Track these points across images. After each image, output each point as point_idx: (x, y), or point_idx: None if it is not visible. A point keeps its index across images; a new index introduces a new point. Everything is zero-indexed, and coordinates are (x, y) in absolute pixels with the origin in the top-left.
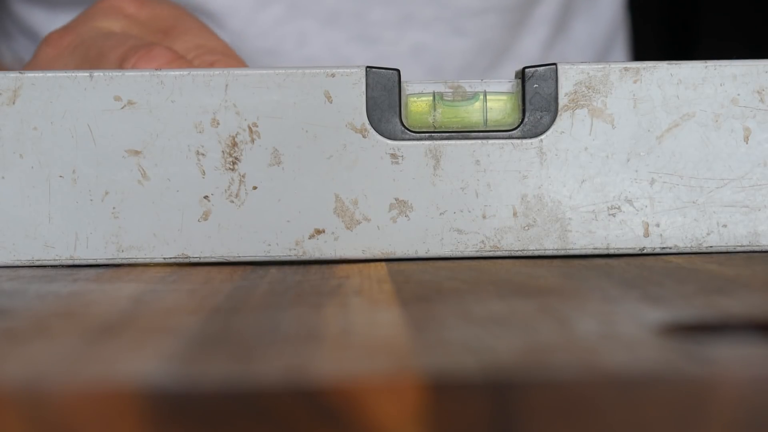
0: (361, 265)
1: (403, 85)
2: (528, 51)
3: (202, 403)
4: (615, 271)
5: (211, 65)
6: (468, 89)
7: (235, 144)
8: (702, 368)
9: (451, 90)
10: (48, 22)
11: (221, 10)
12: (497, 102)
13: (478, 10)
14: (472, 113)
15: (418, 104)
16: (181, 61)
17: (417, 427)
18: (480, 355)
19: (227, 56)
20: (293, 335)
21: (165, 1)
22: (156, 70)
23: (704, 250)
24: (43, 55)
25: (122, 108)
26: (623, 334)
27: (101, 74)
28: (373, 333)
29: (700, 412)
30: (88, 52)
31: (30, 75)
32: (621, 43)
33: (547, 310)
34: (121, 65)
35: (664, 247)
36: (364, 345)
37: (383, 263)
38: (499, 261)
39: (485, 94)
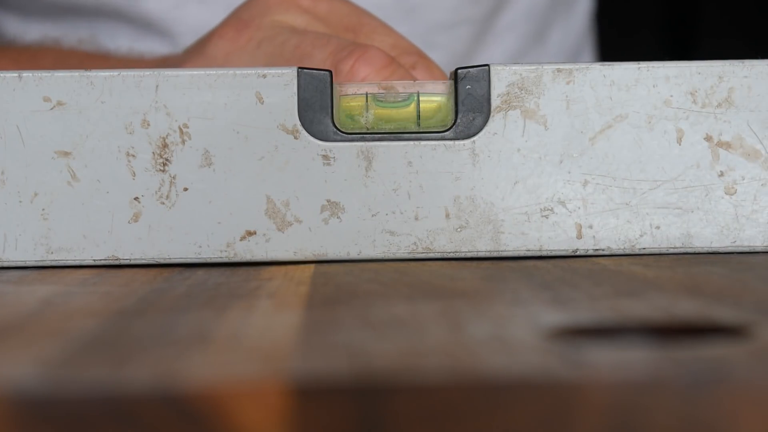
0: (289, 267)
1: (337, 86)
2: (496, 60)
3: (69, 409)
4: (539, 273)
5: (412, 67)
6: (401, 90)
7: (165, 145)
8: (572, 372)
9: (384, 91)
10: (20, 28)
11: (188, 29)
12: (430, 103)
13: (449, 24)
14: (404, 114)
15: (350, 105)
16: (395, 64)
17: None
18: (355, 359)
19: (421, 56)
20: (183, 338)
21: None
22: (85, 70)
23: (637, 251)
24: (217, 49)
25: (51, 109)
26: (511, 337)
27: (30, 75)
28: (262, 336)
29: (567, 416)
30: (282, 50)
31: None
32: (589, 49)
33: (448, 313)
34: (335, 66)
35: (597, 249)
36: (248, 349)
37: (313, 265)
38: (430, 263)
39: (418, 95)
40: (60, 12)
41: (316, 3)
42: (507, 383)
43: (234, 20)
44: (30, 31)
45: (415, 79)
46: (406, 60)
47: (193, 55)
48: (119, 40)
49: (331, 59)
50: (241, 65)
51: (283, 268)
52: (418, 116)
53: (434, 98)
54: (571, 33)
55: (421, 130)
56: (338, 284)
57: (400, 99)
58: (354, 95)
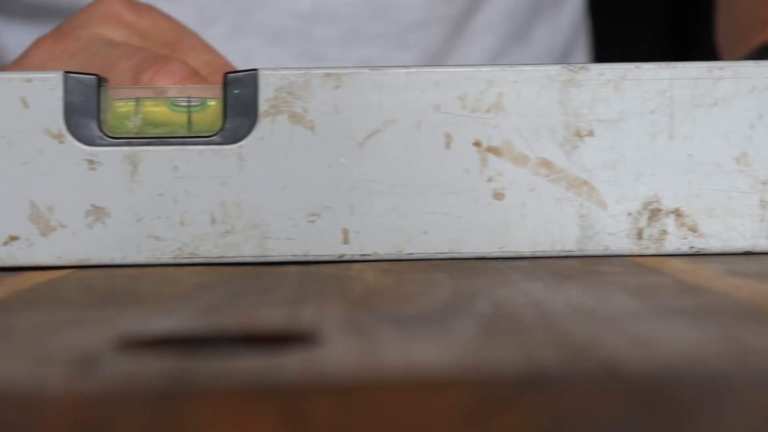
0: (50, 272)
1: (110, 90)
2: (473, 59)
3: None
4: (265, 278)
5: None
6: (172, 95)
7: None
8: (37, 385)
9: (155, 96)
10: (1, 30)
11: None
12: (201, 107)
13: (421, 23)
14: (174, 119)
15: (120, 110)
16: (198, 77)
17: None
18: None
19: None
20: None
21: (161, 12)
22: None
23: (404, 257)
24: (34, 58)
25: None
26: (77, 348)
27: None
28: None
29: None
30: (92, 60)
31: None
32: (582, 47)
33: (83, 320)
34: (136, 77)
35: (363, 254)
36: None
37: (73, 270)
38: (190, 268)
39: (189, 99)
40: (39, 12)
41: (138, 18)
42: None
43: (56, 31)
44: (11, 31)
45: None
46: (218, 77)
47: (16, 63)
48: None
49: (133, 70)
50: None
51: (43, 273)
52: (189, 121)
53: (207, 103)
54: (558, 32)
55: (188, 135)
56: (58, 290)
57: (169, 103)
58: (126, 100)
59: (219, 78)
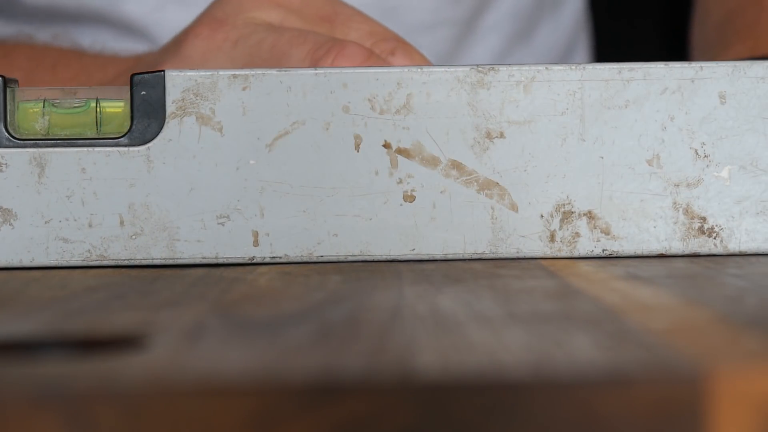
0: None
1: (18, 91)
2: (478, 60)
3: None
4: (160, 280)
5: (392, 53)
6: (81, 96)
7: None
8: None
9: (63, 97)
10: (3, 31)
11: (168, 32)
12: (111, 109)
13: (429, 25)
14: (82, 120)
15: (28, 111)
16: (374, 57)
17: None
18: None
19: (400, 41)
20: None
21: None
22: None
23: (315, 259)
24: (193, 49)
25: None
26: None
27: None
28: None
29: None
30: (259, 50)
31: None
32: (583, 45)
33: None
34: (316, 65)
35: (274, 257)
36: None
37: None
38: (98, 270)
39: (97, 101)
40: (43, 16)
41: None
42: None
43: (208, 18)
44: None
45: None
46: (385, 46)
47: (170, 55)
48: (101, 43)
49: (309, 58)
50: (218, 65)
51: None
52: (98, 122)
53: (116, 104)
54: (559, 31)
55: (96, 137)
56: None
57: (77, 105)
58: (33, 101)
59: (386, 47)
